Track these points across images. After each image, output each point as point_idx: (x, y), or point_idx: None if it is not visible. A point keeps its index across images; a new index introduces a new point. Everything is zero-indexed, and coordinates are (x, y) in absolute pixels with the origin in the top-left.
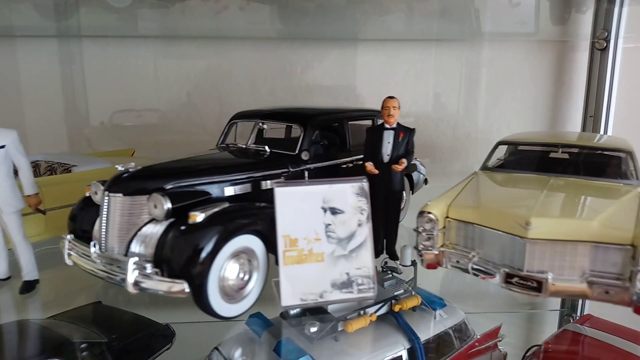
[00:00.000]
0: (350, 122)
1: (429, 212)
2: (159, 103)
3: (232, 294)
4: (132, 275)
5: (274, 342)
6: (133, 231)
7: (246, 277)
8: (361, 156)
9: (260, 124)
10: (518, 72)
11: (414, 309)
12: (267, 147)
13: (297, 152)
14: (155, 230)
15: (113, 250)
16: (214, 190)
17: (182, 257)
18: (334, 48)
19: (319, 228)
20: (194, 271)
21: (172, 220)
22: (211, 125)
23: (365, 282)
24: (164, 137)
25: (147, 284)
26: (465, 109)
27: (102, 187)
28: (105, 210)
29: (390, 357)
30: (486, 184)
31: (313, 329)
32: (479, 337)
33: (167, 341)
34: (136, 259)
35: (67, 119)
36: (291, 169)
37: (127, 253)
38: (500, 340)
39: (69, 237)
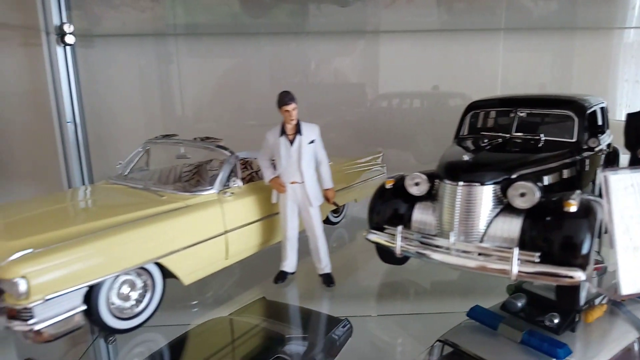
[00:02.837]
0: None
1: None
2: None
3: None
4: (516, 265)
5: (516, 334)
6: (487, 219)
7: None
8: (606, 143)
9: (520, 113)
10: None
11: None
12: (542, 135)
13: (575, 139)
14: (514, 218)
15: (461, 239)
16: (541, 180)
17: (565, 246)
18: (481, 38)
19: None
20: (577, 261)
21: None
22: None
23: None
24: None
25: (535, 271)
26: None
27: (425, 178)
28: (459, 200)
29: (624, 347)
30: None
31: (556, 321)
32: None
33: (349, 335)
34: (517, 249)
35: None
36: (577, 157)
37: (481, 242)
38: None
39: (399, 228)
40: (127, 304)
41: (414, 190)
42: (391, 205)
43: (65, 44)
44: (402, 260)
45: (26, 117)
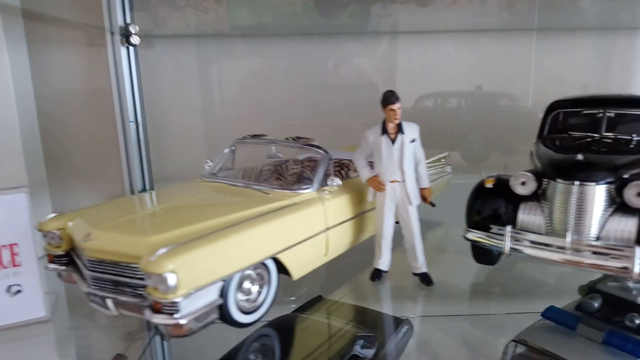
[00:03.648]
0: None
1: None
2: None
3: None
4: (638, 264)
5: (597, 334)
6: (601, 218)
7: None
8: None
9: (608, 112)
10: None
11: None
12: (634, 136)
13: None
14: (630, 217)
15: (575, 238)
16: None
17: None
18: (548, 38)
19: None
20: None
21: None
22: None
23: None
24: None
25: None
26: None
27: (532, 177)
28: (574, 199)
29: None
30: None
31: (637, 321)
32: None
33: (410, 335)
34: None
35: None
36: None
37: (596, 240)
38: None
39: (509, 228)
40: (249, 298)
41: (521, 190)
42: (491, 205)
43: (130, 44)
44: (495, 260)
45: (88, 116)
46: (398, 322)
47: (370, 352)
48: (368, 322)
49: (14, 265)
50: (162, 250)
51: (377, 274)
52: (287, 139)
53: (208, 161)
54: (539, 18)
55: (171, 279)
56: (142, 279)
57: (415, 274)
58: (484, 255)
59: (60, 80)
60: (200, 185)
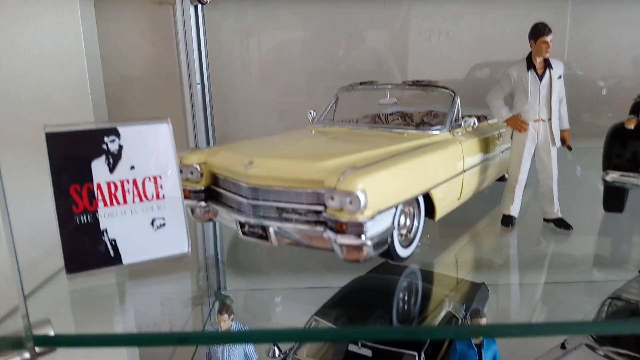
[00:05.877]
0: None
1: None
2: None
3: None
4: None
5: None
6: None
7: None
8: None
9: None
10: None
11: None
12: None
13: None
14: None
15: None
16: None
17: None
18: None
19: None
20: None
21: None
22: None
23: None
24: None
25: None
26: None
27: None
28: None
29: None
30: None
31: None
32: None
33: (487, 298)
34: None
35: None
36: None
37: None
38: None
39: None
40: (402, 232)
41: None
42: (633, 147)
43: (200, 3)
44: (623, 207)
45: (154, 77)
46: (476, 286)
47: (461, 313)
48: (445, 284)
49: (158, 198)
50: (349, 170)
51: (509, 220)
52: (404, 82)
53: (311, 111)
54: None
55: (362, 198)
56: (317, 204)
57: (548, 220)
58: (615, 200)
59: (126, 40)
60: (321, 130)
